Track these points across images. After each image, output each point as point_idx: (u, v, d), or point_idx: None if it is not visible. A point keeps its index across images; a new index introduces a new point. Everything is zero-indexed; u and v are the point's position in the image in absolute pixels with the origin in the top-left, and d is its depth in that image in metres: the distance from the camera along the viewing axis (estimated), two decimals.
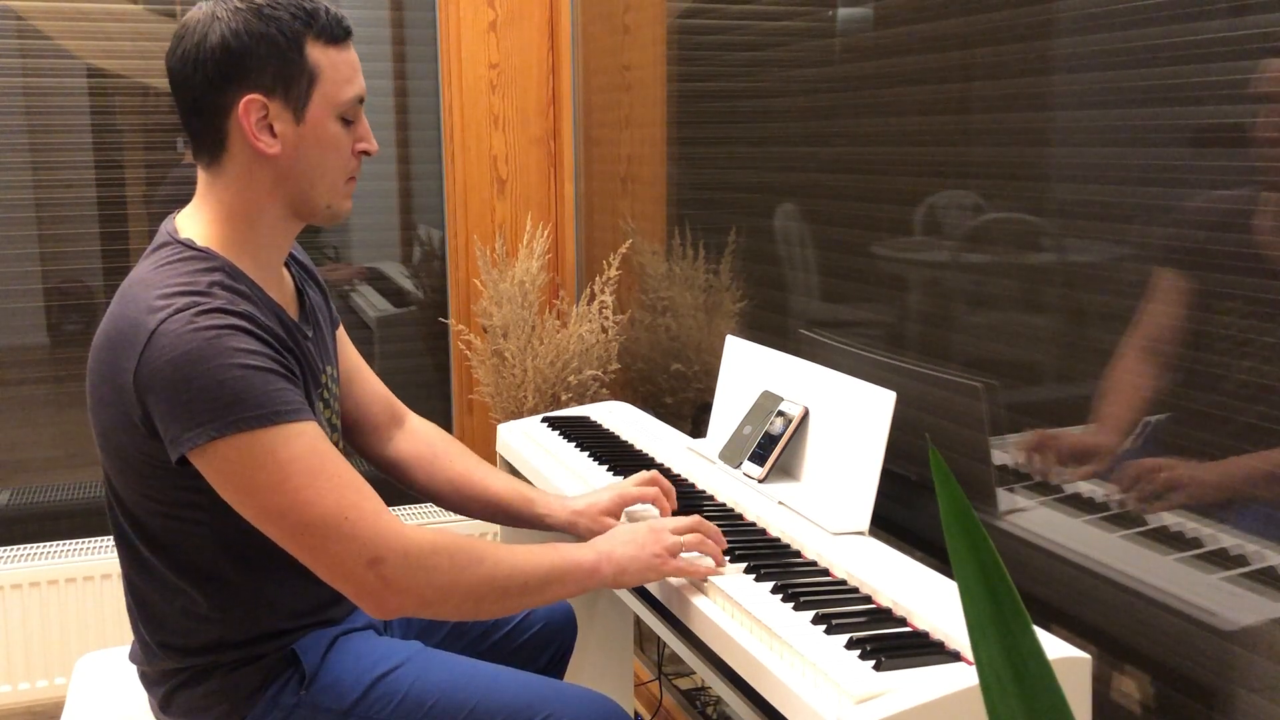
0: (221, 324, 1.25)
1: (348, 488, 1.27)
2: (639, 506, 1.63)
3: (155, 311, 1.25)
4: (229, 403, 1.22)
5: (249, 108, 1.31)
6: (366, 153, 1.41)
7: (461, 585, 1.31)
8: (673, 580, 1.44)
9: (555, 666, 1.78)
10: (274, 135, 1.33)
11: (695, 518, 1.46)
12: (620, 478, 1.76)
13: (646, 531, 1.42)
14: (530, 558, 1.36)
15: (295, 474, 1.24)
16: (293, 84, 1.32)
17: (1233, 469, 1.20)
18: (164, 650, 1.41)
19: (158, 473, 1.31)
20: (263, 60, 1.30)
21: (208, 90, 1.31)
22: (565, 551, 1.38)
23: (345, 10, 1.39)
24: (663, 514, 1.59)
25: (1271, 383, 1.13)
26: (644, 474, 1.63)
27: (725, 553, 1.46)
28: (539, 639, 1.74)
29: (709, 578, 1.39)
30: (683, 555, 1.43)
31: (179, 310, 1.24)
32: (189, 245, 1.34)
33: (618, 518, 1.59)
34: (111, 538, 1.43)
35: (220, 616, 1.38)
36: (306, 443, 1.26)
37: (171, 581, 1.38)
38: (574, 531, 1.60)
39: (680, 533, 1.43)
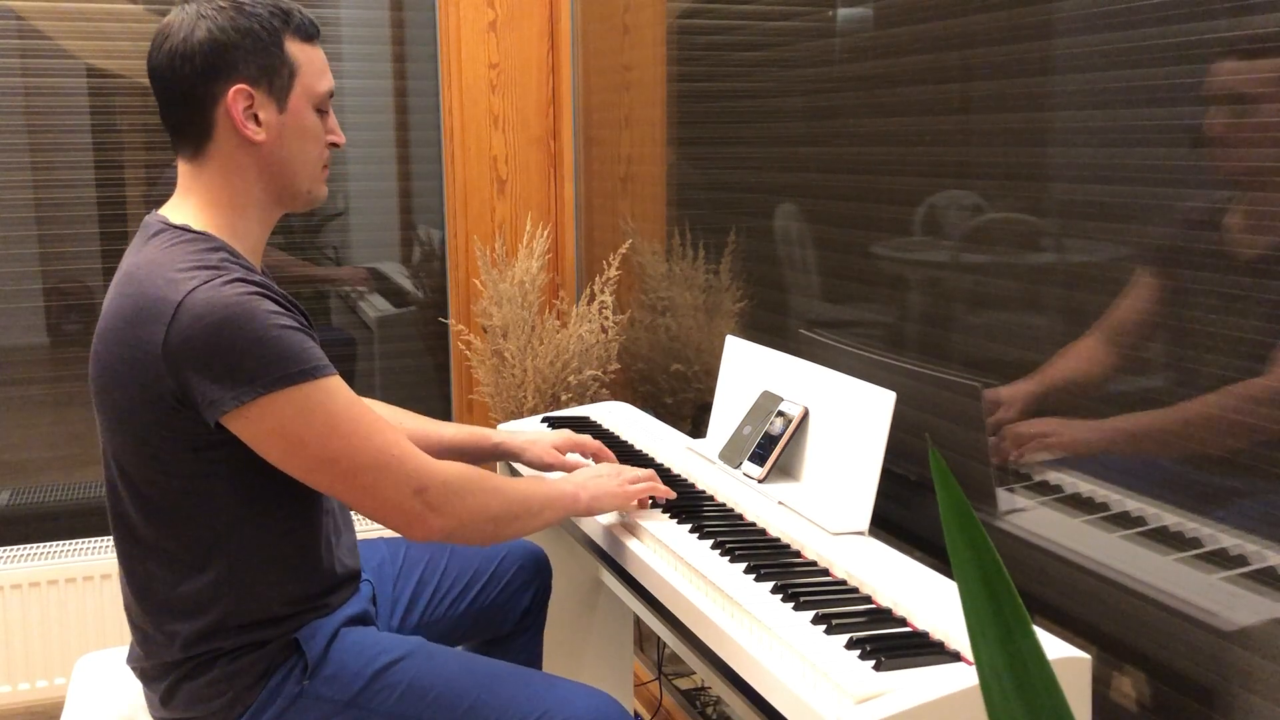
0: (248, 291, 1.32)
1: (386, 429, 1.38)
2: (581, 458, 1.83)
3: (176, 284, 1.31)
4: (273, 360, 1.30)
5: (237, 97, 1.39)
6: (336, 144, 1.51)
7: (488, 509, 1.45)
8: (673, 580, 1.45)
9: (537, 609, 1.87)
10: (259, 124, 1.42)
11: (648, 470, 1.68)
12: None
13: (608, 468, 1.66)
14: (528, 486, 1.52)
15: (344, 421, 1.34)
16: (275, 75, 1.42)
17: (1106, 428, 1.32)
18: (166, 638, 1.42)
19: (178, 447, 1.35)
20: (248, 53, 1.39)
21: (197, 82, 1.39)
22: (551, 483, 1.57)
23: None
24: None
25: (1215, 370, 1.14)
26: (588, 438, 1.86)
27: (725, 551, 1.48)
28: (515, 584, 1.84)
29: (712, 579, 1.40)
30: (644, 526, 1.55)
31: (204, 282, 1.31)
32: (187, 229, 1.40)
33: (564, 453, 1.81)
34: (110, 538, 1.45)
35: (224, 594, 1.40)
36: (345, 393, 1.37)
37: (177, 559, 1.40)
38: (525, 458, 1.82)
39: (634, 473, 1.65)
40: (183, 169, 1.45)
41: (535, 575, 1.86)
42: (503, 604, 1.82)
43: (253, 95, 1.40)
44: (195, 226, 1.41)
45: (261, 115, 1.41)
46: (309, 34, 1.46)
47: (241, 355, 1.28)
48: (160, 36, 1.41)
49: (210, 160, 1.42)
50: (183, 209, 1.44)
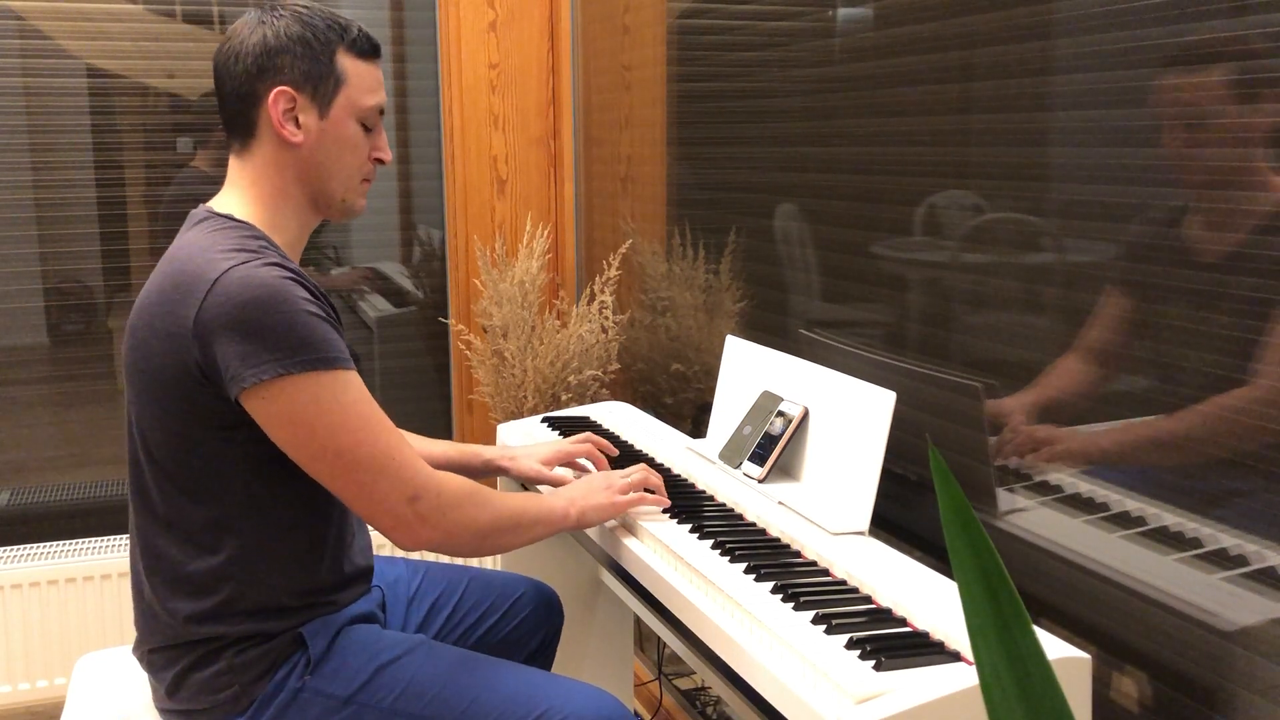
0: (284, 275, 1.37)
1: (392, 433, 1.41)
2: (581, 461, 1.84)
3: (215, 263, 1.37)
4: (298, 344, 1.34)
5: (278, 98, 1.46)
6: (381, 160, 1.57)
7: (477, 523, 1.46)
8: (673, 580, 1.45)
9: (545, 650, 1.84)
10: (298, 126, 1.48)
11: (640, 465, 1.67)
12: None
13: (599, 479, 1.65)
14: (519, 502, 1.54)
15: (354, 416, 1.37)
16: (320, 83, 1.48)
17: (1108, 437, 1.33)
18: (171, 615, 1.43)
19: (202, 424, 1.39)
20: (296, 58, 1.47)
21: (244, 80, 1.47)
22: (542, 499, 1.58)
23: (346, 11, 1.45)
24: (599, 468, 1.82)
25: (1202, 367, 1.14)
26: (580, 434, 1.85)
27: (725, 551, 1.48)
28: (528, 624, 1.81)
29: (712, 579, 1.40)
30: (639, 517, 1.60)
31: (242, 262, 1.36)
32: (230, 218, 1.47)
33: (552, 467, 1.80)
34: (110, 539, 1.47)
35: (231, 577, 1.43)
36: (360, 390, 1.40)
37: (191, 538, 1.43)
38: (512, 471, 1.81)
39: (626, 478, 1.64)
40: (232, 162, 1.53)
41: (547, 618, 1.84)
42: (512, 643, 1.80)
43: (295, 99, 1.47)
44: (238, 216, 1.47)
45: (302, 119, 1.47)
46: (364, 51, 1.52)
47: (268, 333, 1.33)
48: (225, 38, 1.51)
49: (254, 155, 1.50)
50: (227, 200, 1.51)
